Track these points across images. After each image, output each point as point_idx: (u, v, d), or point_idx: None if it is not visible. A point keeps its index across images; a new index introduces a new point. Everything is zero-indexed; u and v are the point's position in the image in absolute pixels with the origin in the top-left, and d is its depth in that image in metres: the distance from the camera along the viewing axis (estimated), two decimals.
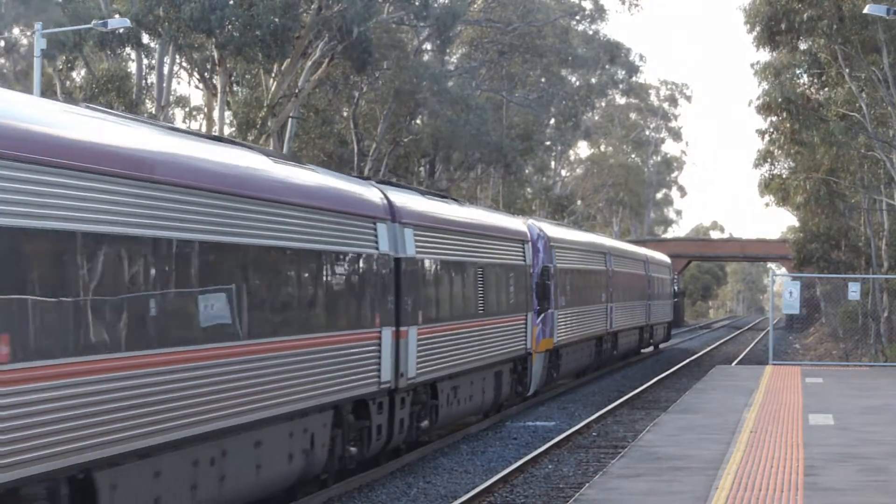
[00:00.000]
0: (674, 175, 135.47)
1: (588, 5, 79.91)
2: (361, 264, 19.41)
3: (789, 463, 18.41)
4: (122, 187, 12.59)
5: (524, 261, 30.56)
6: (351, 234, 18.99)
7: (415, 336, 21.65)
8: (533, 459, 22.91)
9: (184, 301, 13.68)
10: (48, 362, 11.34)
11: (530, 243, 31.78)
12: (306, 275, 17.18)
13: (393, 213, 21.08)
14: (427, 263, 22.65)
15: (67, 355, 11.61)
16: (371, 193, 20.59)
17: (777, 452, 19.47)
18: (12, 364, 10.84)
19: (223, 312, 14.62)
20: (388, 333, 20.35)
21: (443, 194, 29.66)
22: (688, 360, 52.93)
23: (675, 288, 75.06)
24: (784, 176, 55.75)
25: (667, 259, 67.75)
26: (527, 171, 77.84)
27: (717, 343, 72.14)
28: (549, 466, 22.58)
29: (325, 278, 17.86)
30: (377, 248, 20.02)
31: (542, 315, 33.63)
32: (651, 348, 61.06)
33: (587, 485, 16.95)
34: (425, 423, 23.11)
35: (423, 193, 25.06)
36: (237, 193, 15.18)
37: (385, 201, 20.99)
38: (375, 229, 20.05)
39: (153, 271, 13.09)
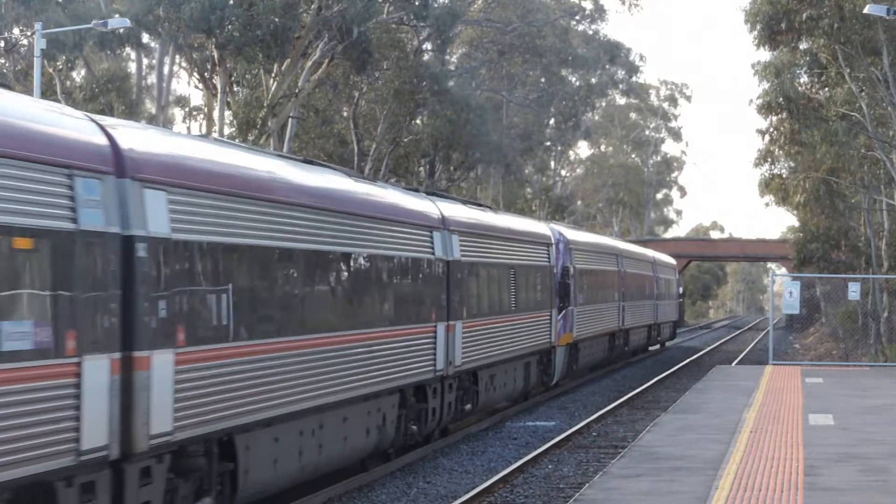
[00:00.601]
0: (674, 175, 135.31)
1: (588, 5, 79.92)
2: (423, 267, 22.63)
3: (789, 463, 18.42)
4: (254, 206, 15.40)
5: (549, 262, 33.52)
6: (415, 242, 22.24)
7: (461, 329, 24.72)
8: (533, 459, 22.92)
9: (295, 299, 16.56)
10: (209, 347, 14.19)
11: (554, 245, 34.44)
12: (384, 276, 20.39)
13: (444, 222, 24.19)
14: (470, 265, 25.71)
15: (220, 341, 14.45)
16: (427, 206, 23.64)
17: (777, 452, 19.48)
18: (186, 348, 13.64)
19: (322, 308, 17.55)
20: (441, 327, 23.49)
21: (479, 202, 32.73)
22: (688, 360, 52.93)
23: (680, 289, 75.41)
24: (784, 176, 55.66)
25: (672, 261, 68.54)
26: (527, 171, 77.87)
27: (717, 343, 72.14)
28: (549, 466, 22.58)
29: (397, 279, 21.13)
30: (433, 253, 23.23)
31: (563, 312, 36.06)
32: (658, 346, 61.81)
33: (587, 485, 16.96)
34: (468, 406, 26.23)
35: (464, 203, 28.35)
36: (334, 209, 18.15)
37: (438, 212, 24.02)
38: (432, 236, 23.22)
39: (276, 275, 15.97)
